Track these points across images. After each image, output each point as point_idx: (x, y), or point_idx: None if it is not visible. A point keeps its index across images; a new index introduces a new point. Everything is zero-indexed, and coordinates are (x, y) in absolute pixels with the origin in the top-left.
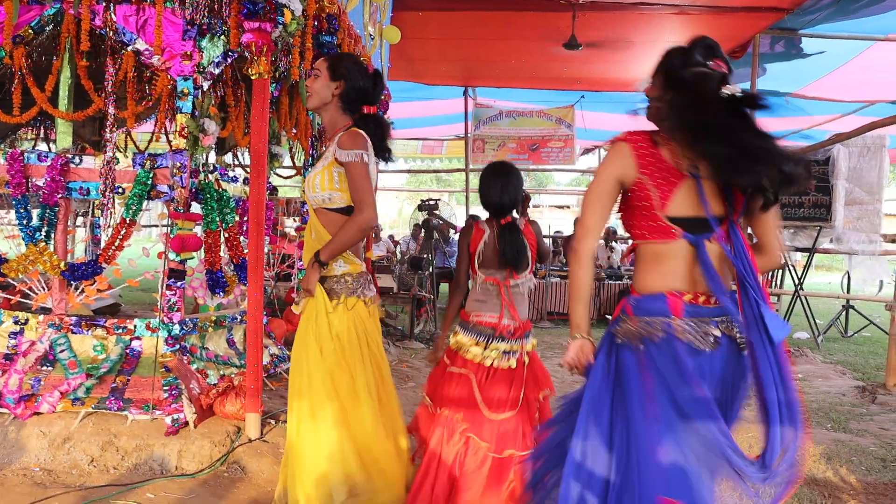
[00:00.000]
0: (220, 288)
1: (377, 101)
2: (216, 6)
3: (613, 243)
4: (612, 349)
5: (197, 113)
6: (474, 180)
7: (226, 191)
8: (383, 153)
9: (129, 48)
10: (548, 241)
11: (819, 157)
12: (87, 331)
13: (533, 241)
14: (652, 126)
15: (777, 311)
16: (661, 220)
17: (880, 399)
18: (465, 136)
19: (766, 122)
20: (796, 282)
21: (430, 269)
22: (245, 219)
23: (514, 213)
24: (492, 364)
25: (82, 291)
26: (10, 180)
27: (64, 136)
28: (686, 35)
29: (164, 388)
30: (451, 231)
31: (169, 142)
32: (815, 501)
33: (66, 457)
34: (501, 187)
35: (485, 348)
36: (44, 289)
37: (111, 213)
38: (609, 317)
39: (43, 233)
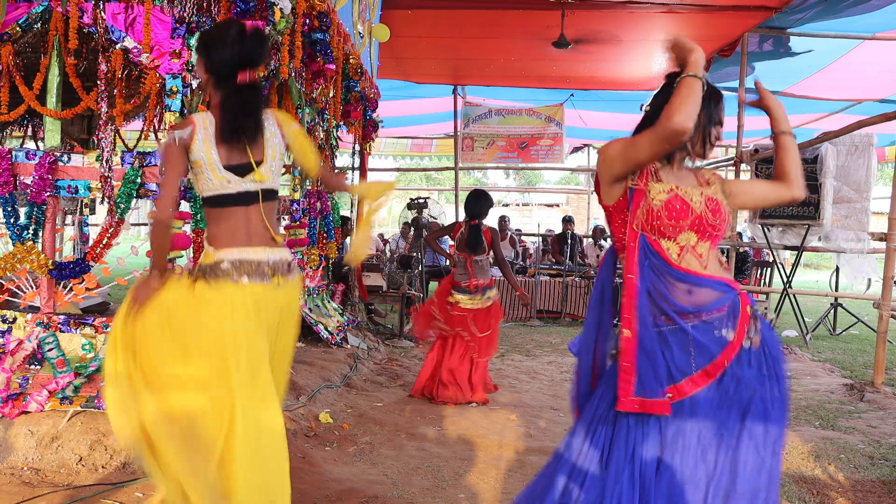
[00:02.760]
0: None
1: (255, 62)
2: (205, 4)
3: (602, 241)
4: None
5: (186, 111)
6: (464, 179)
7: None
8: (233, 131)
9: (118, 46)
10: (537, 240)
11: (807, 155)
12: (76, 329)
13: (489, 239)
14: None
15: (766, 309)
16: None
17: (868, 397)
18: (454, 135)
19: (754, 120)
20: (785, 280)
21: (420, 268)
22: None
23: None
24: (476, 307)
25: (70, 290)
26: None
27: (52, 135)
28: (675, 34)
29: None
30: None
31: (158, 140)
32: (803, 499)
33: (54, 456)
34: (473, 203)
35: (470, 299)
36: (32, 287)
37: (111, 209)
38: None
39: (31, 231)
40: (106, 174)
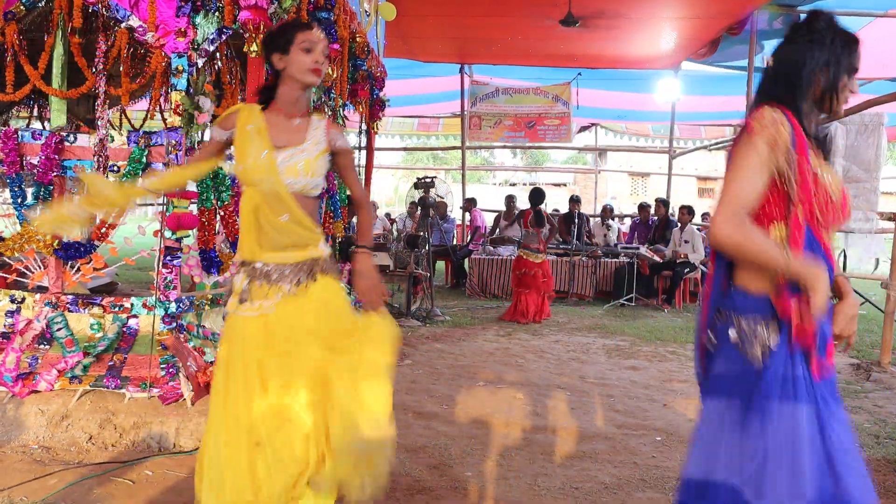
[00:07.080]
0: (215, 267)
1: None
2: None
3: (610, 221)
4: None
5: (192, 90)
6: (470, 158)
7: (221, 168)
8: None
9: (123, 25)
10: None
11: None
12: (84, 309)
13: (548, 218)
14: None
15: None
16: None
17: (875, 376)
18: (461, 114)
19: None
20: None
21: (427, 247)
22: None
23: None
24: (533, 260)
25: (78, 270)
26: (5, 159)
27: (58, 114)
28: (683, 11)
29: (161, 365)
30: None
31: (164, 119)
32: None
33: (64, 434)
34: (535, 196)
35: (533, 255)
36: (40, 267)
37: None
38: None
39: (38, 211)
40: (99, 153)
